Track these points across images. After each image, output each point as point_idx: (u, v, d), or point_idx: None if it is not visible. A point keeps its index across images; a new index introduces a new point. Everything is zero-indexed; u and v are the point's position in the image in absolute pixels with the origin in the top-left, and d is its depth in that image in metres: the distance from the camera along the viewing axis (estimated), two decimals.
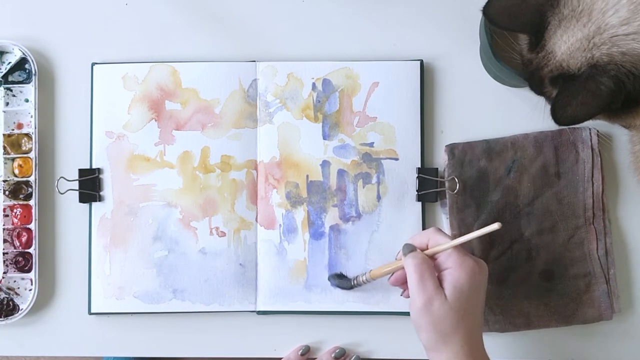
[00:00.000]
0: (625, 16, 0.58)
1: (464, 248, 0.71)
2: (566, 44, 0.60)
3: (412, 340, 0.81)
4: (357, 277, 0.78)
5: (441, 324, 0.67)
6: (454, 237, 0.80)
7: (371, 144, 0.81)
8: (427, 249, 0.72)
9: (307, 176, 0.82)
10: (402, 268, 0.72)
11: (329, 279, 0.80)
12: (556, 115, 0.61)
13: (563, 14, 0.60)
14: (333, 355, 0.80)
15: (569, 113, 0.61)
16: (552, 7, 0.61)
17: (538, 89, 0.66)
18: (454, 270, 0.68)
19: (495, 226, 0.68)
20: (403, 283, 0.74)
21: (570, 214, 0.81)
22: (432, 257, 0.71)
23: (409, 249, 0.71)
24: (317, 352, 0.82)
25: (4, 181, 0.82)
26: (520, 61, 0.67)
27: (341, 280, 0.79)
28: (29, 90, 0.83)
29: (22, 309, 0.81)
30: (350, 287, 0.79)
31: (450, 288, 0.67)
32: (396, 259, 0.76)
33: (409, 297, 0.72)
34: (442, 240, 0.71)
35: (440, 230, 0.73)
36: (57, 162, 0.84)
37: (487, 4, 0.63)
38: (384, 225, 0.81)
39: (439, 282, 0.68)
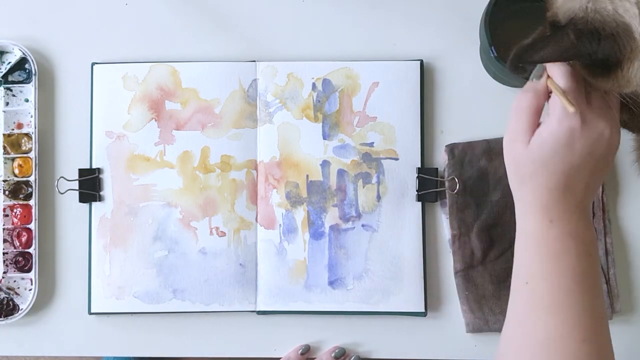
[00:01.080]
0: None
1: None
2: None
3: (412, 340, 0.81)
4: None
5: (520, 167, 0.64)
6: (453, 237, 0.80)
7: (371, 144, 0.81)
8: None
9: (307, 176, 0.82)
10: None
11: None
12: (516, 50, 0.60)
13: None
14: (333, 355, 0.80)
15: (525, 47, 0.60)
16: None
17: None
18: (550, 120, 0.62)
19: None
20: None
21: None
22: (548, 92, 0.64)
23: (538, 74, 0.64)
24: (317, 352, 0.82)
25: (4, 181, 0.82)
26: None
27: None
28: (29, 90, 0.83)
29: (22, 309, 0.81)
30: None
31: (537, 136, 0.62)
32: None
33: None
34: (560, 75, 0.63)
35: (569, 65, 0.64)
36: (57, 162, 0.84)
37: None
38: (384, 225, 0.81)
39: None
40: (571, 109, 0.60)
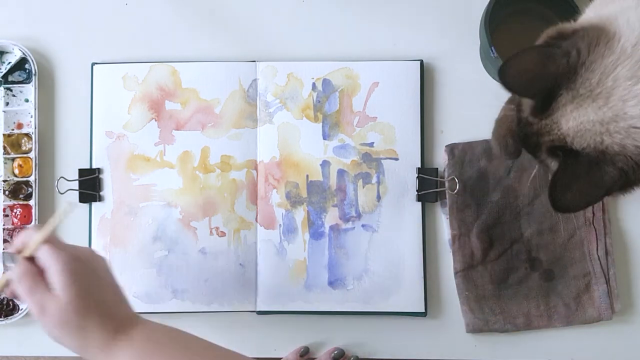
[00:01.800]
0: None
1: (60, 241, 0.66)
2: (575, 121, 0.56)
3: (412, 340, 0.81)
4: None
5: (68, 322, 0.62)
6: (453, 237, 0.80)
7: (371, 144, 0.81)
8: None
9: (307, 176, 0.82)
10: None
11: None
12: (554, 200, 0.58)
13: (578, 91, 0.56)
14: (332, 356, 0.80)
15: (569, 199, 0.57)
16: (569, 80, 0.57)
17: (532, 151, 0.62)
18: (53, 266, 0.62)
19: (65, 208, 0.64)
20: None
21: (570, 214, 0.81)
22: (33, 261, 0.64)
23: (10, 258, 0.65)
24: (317, 353, 0.82)
25: (4, 181, 0.82)
26: (516, 118, 0.63)
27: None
28: (29, 90, 0.83)
29: (22, 309, 0.81)
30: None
31: (57, 284, 0.62)
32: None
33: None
34: (34, 237, 0.64)
35: (34, 227, 0.67)
36: (57, 162, 0.84)
37: (503, 65, 0.58)
38: (384, 226, 0.81)
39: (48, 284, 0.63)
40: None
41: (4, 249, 0.81)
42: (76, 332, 0.62)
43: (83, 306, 0.62)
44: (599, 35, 0.57)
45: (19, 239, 0.66)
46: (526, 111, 0.61)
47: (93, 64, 0.83)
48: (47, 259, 0.63)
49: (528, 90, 0.59)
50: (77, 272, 0.63)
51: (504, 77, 0.58)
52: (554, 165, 0.61)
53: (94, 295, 0.64)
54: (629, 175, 0.56)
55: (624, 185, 0.57)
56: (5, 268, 0.67)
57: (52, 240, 0.64)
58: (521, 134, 0.62)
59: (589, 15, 0.62)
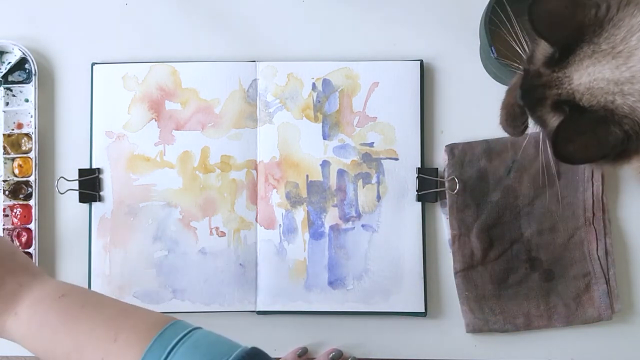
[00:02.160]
0: None
1: None
2: (589, 77, 0.56)
3: (412, 340, 0.81)
4: None
5: None
6: (453, 237, 0.80)
7: (371, 144, 0.81)
8: None
9: (307, 176, 0.82)
10: None
11: None
12: (557, 149, 0.57)
13: (600, 47, 0.56)
14: (330, 357, 0.80)
15: (570, 150, 0.56)
16: (593, 33, 0.56)
17: (532, 105, 0.62)
18: None
19: None
20: None
21: (570, 214, 0.81)
22: None
23: None
24: (316, 353, 0.82)
25: (4, 181, 0.82)
26: (522, 65, 0.63)
27: None
28: (29, 90, 0.83)
29: None
30: None
31: None
32: None
33: None
34: None
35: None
36: (57, 162, 0.84)
37: (533, 3, 0.57)
38: (384, 225, 0.81)
39: None
40: None
41: None
42: None
43: None
44: None
45: None
46: (538, 62, 0.60)
47: (93, 64, 0.83)
48: None
49: (551, 33, 0.58)
50: None
51: (532, 14, 0.57)
52: (553, 121, 0.60)
53: None
54: (632, 141, 0.55)
55: (622, 153, 0.57)
56: None
57: None
58: (527, 85, 0.61)
59: None
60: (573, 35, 0.57)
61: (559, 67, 0.58)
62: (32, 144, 0.82)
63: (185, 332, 0.57)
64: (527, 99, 0.61)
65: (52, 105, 0.84)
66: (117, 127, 0.82)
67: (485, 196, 0.81)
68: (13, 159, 0.82)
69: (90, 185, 0.82)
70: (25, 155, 0.82)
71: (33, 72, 0.82)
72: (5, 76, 0.83)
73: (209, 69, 0.82)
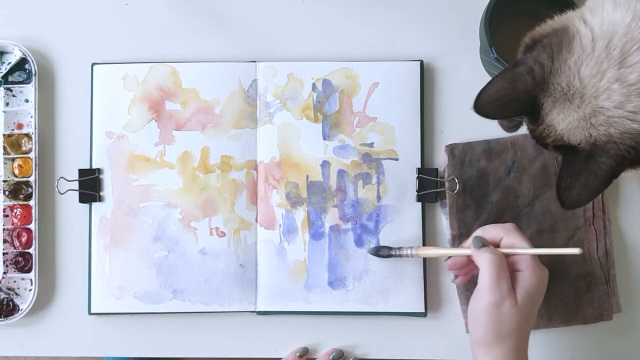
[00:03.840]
0: (619, 100, 0.57)
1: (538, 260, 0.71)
2: (564, 122, 0.60)
3: (412, 340, 0.81)
4: (401, 248, 0.78)
5: (503, 325, 0.67)
6: (453, 237, 0.80)
7: (371, 144, 0.81)
8: (499, 242, 0.71)
9: (307, 176, 0.82)
10: (464, 256, 0.73)
11: (368, 251, 0.80)
12: (562, 200, 0.61)
13: (555, 97, 0.60)
14: (331, 357, 0.80)
15: (574, 196, 0.60)
16: (542, 90, 0.60)
17: (546, 149, 0.66)
18: (528, 275, 0.69)
19: (575, 250, 0.67)
20: (460, 268, 0.75)
21: (570, 215, 0.81)
22: (505, 256, 0.71)
23: (481, 242, 0.71)
24: (316, 353, 0.82)
25: (4, 181, 0.82)
26: (528, 130, 0.67)
27: (381, 249, 0.79)
28: (29, 90, 0.83)
29: (22, 309, 0.81)
30: (388, 256, 0.79)
31: (522, 292, 0.68)
32: (462, 246, 0.75)
33: (461, 283, 0.76)
34: (519, 242, 0.71)
35: (517, 228, 0.72)
36: (57, 162, 0.84)
37: (475, 100, 0.62)
38: (384, 226, 0.81)
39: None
40: (577, 250, 0.67)
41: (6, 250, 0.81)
42: (495, 337, 0.68)
43: (522, 324, 0.68)
44: (562, 40, 0.60)
45: (493, 230, 0.72)
46: (526, 121, 0.65)
47: (93, 64, 0.83)
48: (529, 268, 0.69)
49: (508, 113, 0.64)
50: (540, 293, 0.69)
51: (479, 110, 0.63)
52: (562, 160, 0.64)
53: (532, 320, 0.70)
54: (629, 157, 0.59)
55: (632, 163, 0.60)
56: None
57: (535, 256, 0.70)
58: (532, 137, 0.66)
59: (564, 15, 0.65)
60: (527, 102, 0.61)
61: (538, 122, 0.62)
62: (32, 144, 0.82)
63: None
64: (540, 145, 0.66)
65: (52, 106, 0.84)
66: (117, 127, 0.82)
67: (486, 196, 0.81)
68: (13, 159, 0.82)
69: (90, 186, 0.82)
70: (25, 155, 0.82)
71: (33, 72, 0.82)
72: (5, 76, 0.83)
73: (209, 69, 0.82)
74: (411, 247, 0.77)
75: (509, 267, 0.70)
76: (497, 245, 0.71)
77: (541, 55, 0.61)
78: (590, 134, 0.59)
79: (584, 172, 0.60)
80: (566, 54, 0.59)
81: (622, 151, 0.58)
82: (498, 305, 0.67)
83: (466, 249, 0.73)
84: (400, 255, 0.78)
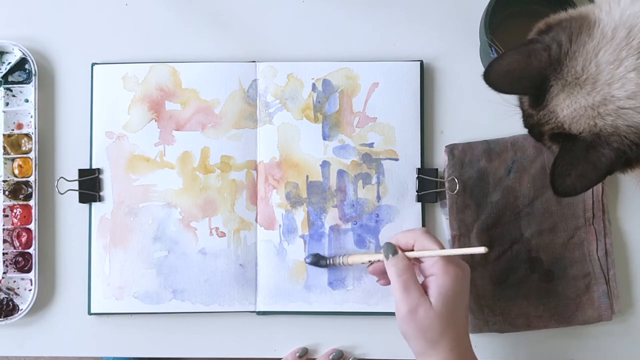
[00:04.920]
0: (633, 90, 0.56)
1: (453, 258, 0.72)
2: (569, 109, 0.59)
3: None
4: (334, 257, 0.79)
5: (428, 330, 0.67)
6: (453, 237, 0.80)
7: (371, 145, 0.81)
8: (412, 248, 0.72)
9: (307, 176, 0.82)
10: (381, 261, 0.73)
11: (305, 259, 0.80)
12: (555, 186, 0.60)
13: (566, 80, 0.59)
14: (330, 357, 0.80)
15: (568, 184, 0.60)
16: (555, 71, 0.59)
17: (538, 139, 0.66)
18: (440, 277, 0.69)
19: (481, 250, 0.68)
20: (381, 274, 0.75)
21: (570, 215, 0.81)
22: (416, 260, 0.72)
23: (391, 249, 0.71)
24: (316, 354, 0.82)
25: (4, 181, 0.82)
26: (521, 112, 0.67)
27: (317, 259, 0.80)
28: (29, 90, 0.83)
29: (21, 309, 0.81)
30: (325, 266, 0.80)
31: (436, 295, 0.68)
32: (379, 252, 0.76)
33: (384, 285, 0.76)
34: (428, 245, 0.71)
35: (427, 232, 0.73)
36: (57, 162, 0.84)
37: (487, 69, 0.61)
38: (384, 226, 0.81)
39: (424, 287, 0.69)
40: (482, 249, 0.67)
41: (2, 249, 0.81)
42: (426, 343, 0.68)
43: (449, 325, 0.68)
44: (582, 24, 0.59)
45: (404, 237, 0.73)
46: (525, 104, 0.64)
47: (93, 64, 0.83)
48: (439, 270, 0.69)
49: (516, 88, 0.63)
50: (458, 291, 0.69)
51: (489, 80, 0.61)
52: (557, 150, 0.63)
53: (459, 319, 0.69)
54: (628, 154, 0.58)
55: (627, 163, 0.60)
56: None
57: (447, 256, 0.70)
58: (527, 124, 0.65)
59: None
60: (538, 80, 0.60)
61: (541, 106, 0.61)
62: (32, 144, 0.82)
63: None
64: (532, 135, 0.65)
65: (52, 105, 0.84)
66: (117, 128, 0.82)
67: (485, 197, 0.81)
68: (13, 159, 0.82)
69: (90, 186, 0.82)
70: (25, 155, 0.82)
71: (33, 72, 0.82)
72: (5, 76, 0.83)
73: (209, 69, 0.82)
74: (342, 256, 0.78)
75: (422, 272, 0.71)
76: (410, 251, 0.72)
77: (560, 35, 0.59)
78: (596, 124, 0.58)
79: (582, 161, 0.59)
80: (585, 38, 0.58)
81: (625, 146, 0.58)
82: (413, 313, 0.67)
83: (380, 255, 0.74)
84: (334, 265, 0.79)
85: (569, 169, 0.59)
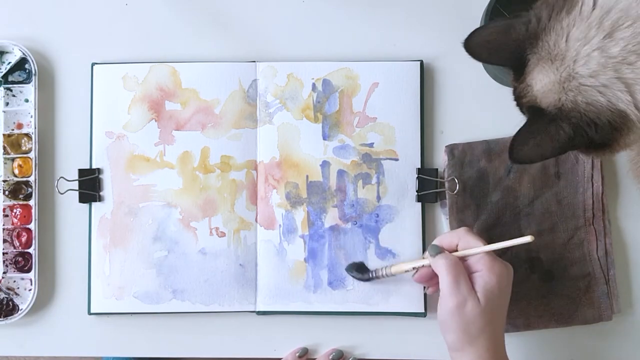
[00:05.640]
0: (594, 68, 0.58)
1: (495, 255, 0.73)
2: (541, 82, 0.61)
3: (412, 340, 0.81)
4: (376, 270, 0.79)
5: (471, 326, 0.68)
6: None
7: (371, 145, 0.81)
8: (456, 248, 0.73)
9: (307, 176, 0.82)
10: (427, 266, 0.74)
11: (346, 269, 0.80)
12: (512, 153, 0.62)
13: (540, 54, 0.61)
14: (330, 357, 0.80)
15: (524, 152, 0.61)
16: (532, 45, 0.61)
17: (523, 114, 0.67)
18: (486, 274, 0.70)
19: (527, 239, 0.69)
20: (428, 280, 0.76)
21: (570, 215, 0.81)
22: (462, 259, 0.72)
23: (437, 250, 0.73)
24: (315, 354, 0.82)
25: (4, 181, 0.82)
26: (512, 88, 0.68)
27: (359, 273, 0.79)
28: (29, 90, 0.83)
29: (21, 309, 0.81)
30: (369, 279, 0.79)
31: (482, 291, 0.69)
32: (423, 257, 0.77)
33: (433, 293, 0.76)
34: (472, 243, 0.72)
35: (470, 231, 0.74)
36: (57, 162, 0.84)
37: (467, 38, 0.64)
38: (384, 226, 0.81)
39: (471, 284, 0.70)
40: (529, 238, 0.69)
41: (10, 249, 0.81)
42: (466, 337, 0.69)
43: (490, 322, 0.69)
44: (566, 2, 0.60)
45: (447, 238, 0.74)
46: (510, 78, 0.66)
47: (93, 64, 0.83)
48: (485, 266, 0.70)
49: (494, 58, 0.65)
50: (502, 289, 0.70)
51: (468, 48, 0.64)
52: None
53: (500, 317, 0.70)
54: (589, 134, 0.59)
55: (591, 145, 0.61)
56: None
57: (491, 254, 0.71)
58: (514, 99, 0.67)
59: None
60: (515, 53, 0.62)
61: (520, 79, 0.63)
62: (32, 144, 0.82)
63: None
64: (518, 109, 0.67)
65: (52, 105, 0.84)
66: (117, 127, 0.82)
67: (485, 197, 0.81)
68: (13, 159, 0.82)
69: (90, 186, 0.82)
70: (25, 155, 0.82)
71: (33, 72, 0.82)
72: (5, 76, 0.83)
73: (209, 69, 0.82)
74: (385, 267, 0.78)
75: (467, 270, 0.71)
76: (454, 252, 0.73)
77: (542, 11, 0.61)
78: (559, 99, 0.60)
79: (541, 132, 0.60)
80: (564, 15, 0.60)
81: (583, 123, 0.59)
82: (461, 307, 0.68)
83: (425, 260, 0.74)
84: (377, 277, 0.79)
85: (528, 139, 0.61)
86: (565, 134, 0.59)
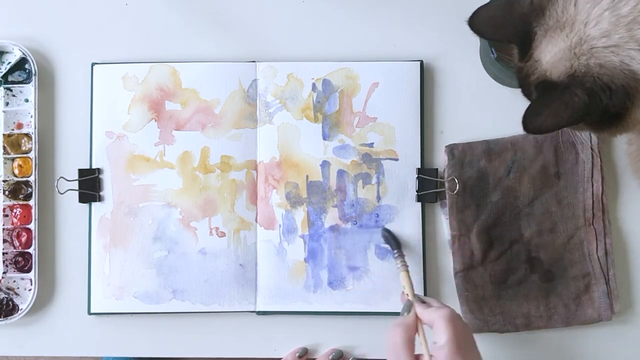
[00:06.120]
0: (606, 28, 0.57)
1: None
2: (550, 53, 0.60)
3: None
4: (400, 254, 0.76)
5: None
6: (453, 237, 0.80)
7: (371, 145, 0.81)
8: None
9: (307, 176, 0.82)
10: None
11: (384, 229, 0.80)
12: (525, 123, 0.61)
13: (548, 25, 0.60)
14: (330, 357, 0.80)
15: (539, 122, 0.60)
16: (538, 17, 0.61)
17: (529, 97, 0.66)
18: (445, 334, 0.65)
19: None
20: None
21: (570, 215, 0.81)
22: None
23: (407, 309, 0.70)
24: (315, 354, 0.82)
25: (4, 181, 0.82)
26: (515, 70, 0.68)
27: (394, 241, 0.78)
28: (29, 90, 0.83)
29: (21, 309, 0.81)
30: (393, 251, 0.77)
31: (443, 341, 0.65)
32: (422, 298, 0.74)
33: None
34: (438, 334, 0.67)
35: (450, 319, 0.67)
36: (57, 162, 0.84)
37: (472, 15, 0.63)
38: (384, 226, 0.81)
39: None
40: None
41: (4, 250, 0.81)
42: None
43: None
44: None
45: (429, 314, 0.68)
46: (516, 58, 0.65)
47: (93, 64, 0.83)
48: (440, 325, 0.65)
49: (499, 34, 0.64)
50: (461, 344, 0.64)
51: (472, 25, 0.63)
52: None
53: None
54: (602, 98, 0.58)
55: (606, 115, 0.60)
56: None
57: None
58: (519, 83, 0.66)
59: None
60: (521, 27, 0.62)
61: (527, 57, 0.62)
62: (32, 144, 0.82)
63: None
64: (523, 92, 0.66)
65: (52, 105, 0.84)
66: (117, 127, 0.82)
67: (485, 197, 0.81)
68: (13, 159, 0.82)
69: (90, 186, 0.82)
70: (25, 155, 0.82)
71: (33, 72, 0.82)
72: (5, 76, 0.83)
73: (209, 69, 0.82)
74: (402, 265, 0.75)
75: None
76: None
77: None
78: (572, 65, 0.59)
79: (555, 101, 0.59)
80: None
81: (598, 88, 0.58)
82: None
83: (427, 298, 0.72)
84: (395, 258, 0.77)
85: (542, 109, 0.60)
86: (579, 99, 0.58)
